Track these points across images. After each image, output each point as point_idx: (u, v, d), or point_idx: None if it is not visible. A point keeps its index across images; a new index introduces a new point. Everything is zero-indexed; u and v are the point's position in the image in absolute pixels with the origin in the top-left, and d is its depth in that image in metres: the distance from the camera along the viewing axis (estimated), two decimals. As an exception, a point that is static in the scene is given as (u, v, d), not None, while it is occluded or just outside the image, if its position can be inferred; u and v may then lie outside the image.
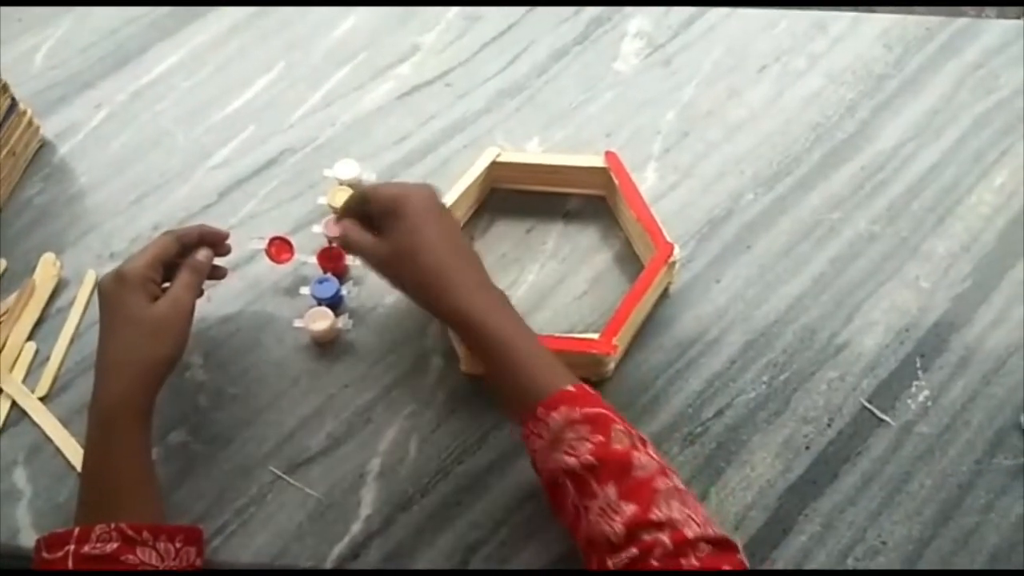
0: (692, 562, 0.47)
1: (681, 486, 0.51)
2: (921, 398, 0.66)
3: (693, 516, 0.49)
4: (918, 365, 0.67)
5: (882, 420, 0.65)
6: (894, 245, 0.73)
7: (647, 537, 0.48)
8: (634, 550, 0.47)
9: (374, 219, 0.62)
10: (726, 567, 0.48)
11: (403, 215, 0.59)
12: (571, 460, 0.51)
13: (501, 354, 0.56)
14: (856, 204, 0.75)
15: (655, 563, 0.47)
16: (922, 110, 0.81)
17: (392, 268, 0.60)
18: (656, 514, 0.48)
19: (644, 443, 0.53)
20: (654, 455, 0.52)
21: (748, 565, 0.50)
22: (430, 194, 0.62)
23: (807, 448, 0.64)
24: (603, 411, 0.53)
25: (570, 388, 0.54)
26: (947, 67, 0.83)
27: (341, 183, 0.75)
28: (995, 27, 0.86)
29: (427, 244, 0.58)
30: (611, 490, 0.49)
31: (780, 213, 0.75)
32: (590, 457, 0.50)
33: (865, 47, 0.85)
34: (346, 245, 0.63)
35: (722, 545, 0.49)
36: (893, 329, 0.69)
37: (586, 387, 0.55)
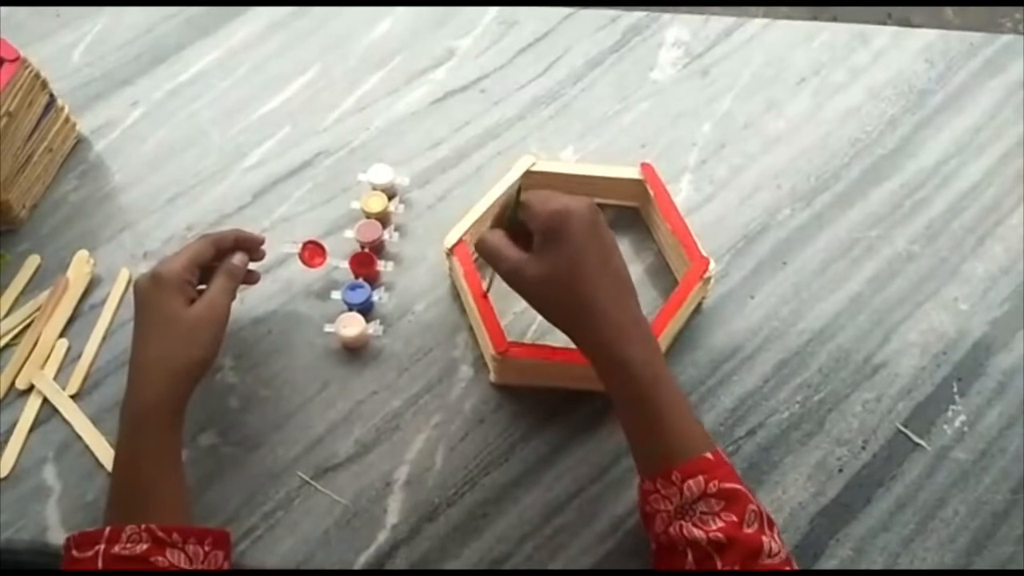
0: None
1: None
2: (957, 423, 0.65)
3: None
4: (955, 389, 0.66)
5: (917, 444, 0.64)
6: (933, 265, 0.72)
7: None
8: None
9: (523, 229, 0.57)
10: None
11: (564, 237, 0.54)
12: (698, 533, 0.50)
13: (645, 407, 0.54)
14: (895, 222, 0.74)
15: None
16: (964, 127, 0.79)
17: (541, 292, 0.56)
18: None
19: (772, 526, 0.51)
20: (780, 540, 0.51)
21: None
22: (592, 215, 0.56)
23: (840, 471, 0.63)
24: (739, 487, 0.51)
25: (708, 456, 0.52)
26: (991, 84, 0.82)
27: (374, 188, 0.75)
28: (1041, 44, 0.85)
29: (587, 276, 0.54)
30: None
31: (817, 230, 0.74)
32: (720, 535, 0.49)
33: (907, 62, 0.84)
34: (487, 255, 0.58)
35: None
36: (930, 352, 0.68)
37: (722, 455, 0.53)
